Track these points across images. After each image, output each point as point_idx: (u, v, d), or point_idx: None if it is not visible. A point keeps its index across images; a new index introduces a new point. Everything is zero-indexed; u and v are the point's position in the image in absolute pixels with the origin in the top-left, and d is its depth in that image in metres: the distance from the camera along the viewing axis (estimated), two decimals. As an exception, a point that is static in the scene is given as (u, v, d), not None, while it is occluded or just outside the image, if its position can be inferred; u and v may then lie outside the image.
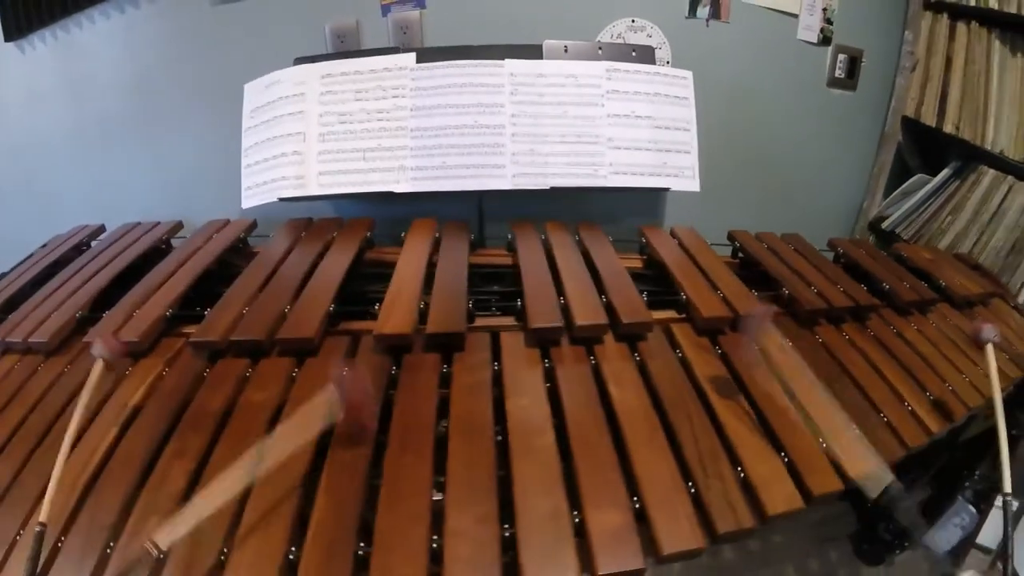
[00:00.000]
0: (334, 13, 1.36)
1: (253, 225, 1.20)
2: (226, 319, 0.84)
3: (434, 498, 0.60)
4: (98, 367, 0.70)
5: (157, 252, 1.13)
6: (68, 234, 1.24)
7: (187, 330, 0.86)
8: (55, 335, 0.85)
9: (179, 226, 1.22)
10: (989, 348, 0.78)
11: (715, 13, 1.44)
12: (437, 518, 0.58)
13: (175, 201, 1.43)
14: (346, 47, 1.37)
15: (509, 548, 0.56)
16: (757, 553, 1.35)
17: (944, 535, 1.21)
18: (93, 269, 1.03)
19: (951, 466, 1.29)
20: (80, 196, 1.49)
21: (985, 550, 1.24)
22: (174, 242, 1.19)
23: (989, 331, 0.78)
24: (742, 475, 0.66)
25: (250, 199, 1.26)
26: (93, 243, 1.21)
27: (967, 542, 1.25)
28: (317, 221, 1.19)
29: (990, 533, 1.25)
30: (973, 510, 1.19)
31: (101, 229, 1.25)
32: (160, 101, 1.41)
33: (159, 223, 1.22)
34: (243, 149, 1.28)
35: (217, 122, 1.40)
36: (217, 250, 1.07)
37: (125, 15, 1.34)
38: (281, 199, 1.22)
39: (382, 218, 1.19)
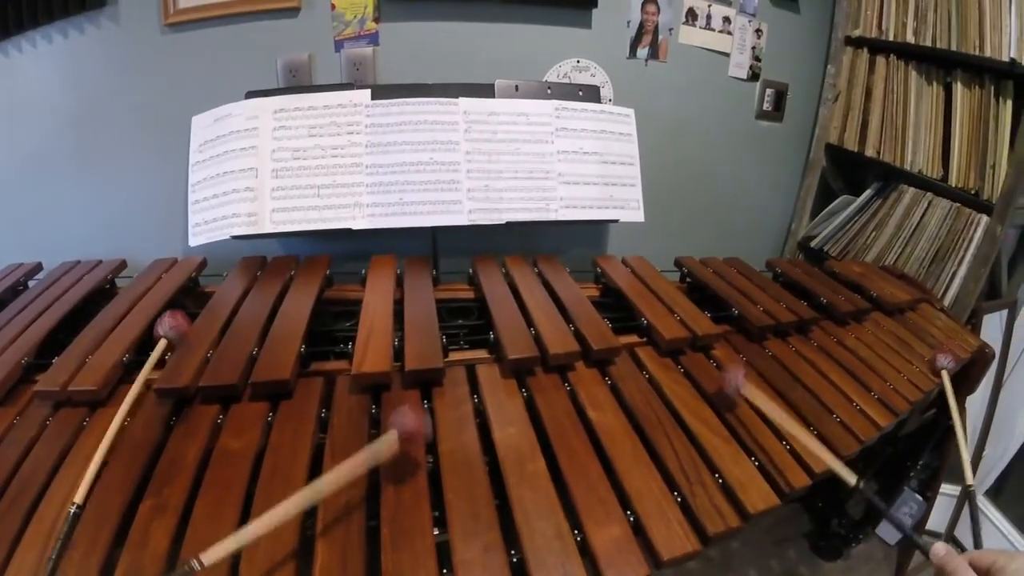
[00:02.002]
0: (286, 47, 1.35)
1: (203, 264, 1.16)
2: (191, 364, 0.80)
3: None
4: (160, 346, 0.76)
5: (101, 292, 1.07)
6: (2, 273, 1.15)
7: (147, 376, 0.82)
8: (0, 384, 0.78)
9: (123, 265, 1.16)
10: (944, 373, 0.91)
11: (654, 53, 1.55)
12: (441, 551, 0.58)
13: (112, 237, 1.36)
14: (298, 81, 1.36)
15: (519, 573, 0.57)
16: (718, 560, 1.41)
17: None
18: (35, 311, 0.96)
19: (895, 459, 1.39)
20: (11, 231, 1.39)
21: (934, 535, 1.35)
22: (118, 282, 1.13)
23: (943, 360, 0.90)
24: (720, 481, 0.72)
25: (198, 237, 1.21)
26: (31, 283, 1.13)
27: (917, 529, 1.35)
28: (273, 259, 1.16)
29: (938, 519, 1.36)
30: (920, 498, 1.30)
31: (38, 268, 1.17)
32: (100, 130, 1.34)
33: (101, 261, 1.16)
34: (190, 185, 1.23)
35: (159, 155, 1.34)
36: (169, 291, 1.03)
37: (68, 40, 1.28)
38: (234, 237, 1.19)
39: (333, 254, 1.18)
